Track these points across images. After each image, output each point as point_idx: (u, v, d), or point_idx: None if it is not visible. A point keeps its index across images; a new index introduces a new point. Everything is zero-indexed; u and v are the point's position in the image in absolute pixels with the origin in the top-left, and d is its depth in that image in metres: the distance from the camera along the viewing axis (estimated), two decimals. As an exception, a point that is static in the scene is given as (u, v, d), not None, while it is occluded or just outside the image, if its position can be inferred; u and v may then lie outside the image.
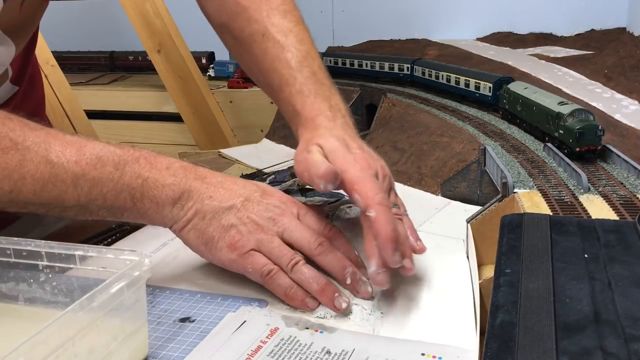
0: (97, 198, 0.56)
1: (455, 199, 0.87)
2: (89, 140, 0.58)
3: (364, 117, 1.57)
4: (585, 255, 0.49)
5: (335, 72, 1.83)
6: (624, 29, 1.72)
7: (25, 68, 0.81)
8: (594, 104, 1.14)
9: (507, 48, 1.86)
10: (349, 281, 0.57)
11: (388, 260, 0.54)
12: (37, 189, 0.54)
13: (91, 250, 0.48)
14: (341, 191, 0.81)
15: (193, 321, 0.54)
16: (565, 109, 0.87)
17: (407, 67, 1.54)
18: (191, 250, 0.60)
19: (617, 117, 1.07)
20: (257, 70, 0.75)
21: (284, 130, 1.49)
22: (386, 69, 1.62)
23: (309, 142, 0.63)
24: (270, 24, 0.72)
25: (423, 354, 0.48)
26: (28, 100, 0.87)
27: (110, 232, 0.77)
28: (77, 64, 2.55)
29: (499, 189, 0.72)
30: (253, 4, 0.73)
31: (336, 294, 0.55)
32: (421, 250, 0.60)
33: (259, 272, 0.56)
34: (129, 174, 0.57)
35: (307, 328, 0.53)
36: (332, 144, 0.61)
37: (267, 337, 0.51)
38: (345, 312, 0.55)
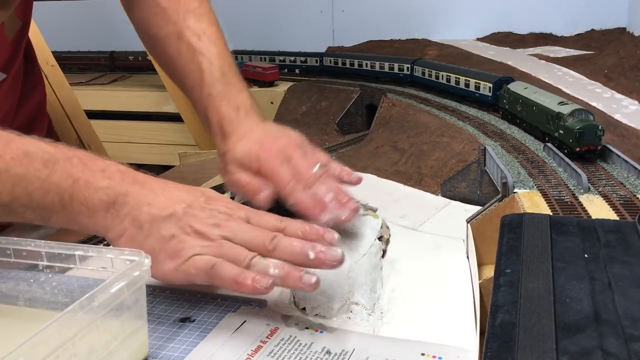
0: (21, 197, 0.52)
1: (455, 199, 0.87)
2: (20, 135, 0.54)
3: (364, 117, 1.58)
4: (585, 255, 0.49)
5: (335, 72, 1.83)
6: (624, 29, 1.72)
7: (15, 57, 0.81)
8: (594, 104, 1.14)
9: (507, 48, 1.86)
10: (312, 256, 0.52)
11: (323, 222, 0.58)
12: None
13: (91, 250, 0.48)
14: None
15: (193, 321, 0.54)
16: (565, 109, 0.87)
17: (407, 67, 1.54)
18: None
19: (617, 117, 1.07)
20: (171, 70, 0.78)
21: (284, 130, 1.49)
22: (386, 69, 1.62)
23: (223, 157, 0.67)
24: (186, 27, 0.74)
25: (423, 354, 0.48)
26: (29, 99, 0.87)
27: (110, 232, 0.77)
28: (77, 64, 2.55)
29: (499, 189, 0.72)
30: (171, 5, 0.76)
31: (302, 272, 0.51)
32: (357, 179, 0.65)
33: (203, 268, 0.52)
34: (59, 172, 0.52)
35: (307, 328, 0.53)
36: (241, 152, 0.65)
37: (267, 337, 0.51)
38: (318, 288, 0.52)
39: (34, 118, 0.91)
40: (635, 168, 0.75)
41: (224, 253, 0.52)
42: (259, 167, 0.63)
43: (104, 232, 0.54)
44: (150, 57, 2.04)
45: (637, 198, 0.67)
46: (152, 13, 0.77)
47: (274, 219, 0.57)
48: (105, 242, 0.74)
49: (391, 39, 2.19)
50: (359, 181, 0.65)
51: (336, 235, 0.55)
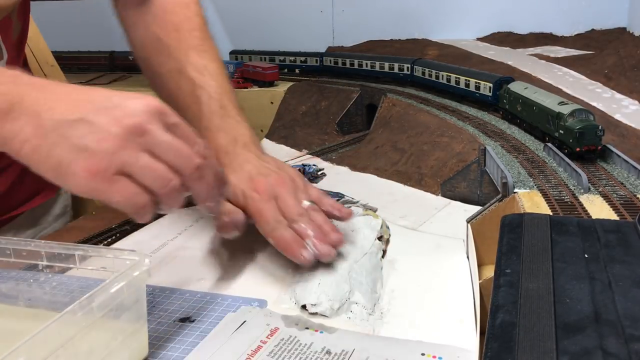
0: None
1: (455, 199, 0.87)
2: None
3: (364, 117, 1.58)
4: (586, 255, 0.49)
5: (335, 72, 1.83)
6: (624, 29, 1.72)
7: (18, 60, 0.81)
8: (594, 104, 1.14)
9: (507, 48, 1.86)
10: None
11: (297, 259, 0.59)
12: None
13: (91, 250, 0.48)
14: (341, 191, 0.82)
15: (193, 321, 0.54)
16: (565, 109, 0.87)
17: (407, 67, 1.54)
18: (191, 251, 0.60)
19: (617, 117, 1.07)
20: (173, 104, 0.77)
21: (284, 131, 1.49)
22: (386, 69, 1.62)
23: None
24: (188, 62, 0.76)
25: (423, 354, 0.48)
26: None
27: (110, 232, 0.77)
28: (77, 64, 2.55)
29: (499, 189, 0.72)
30: (174, 42, 0.77)
31: (210, 201, 0.52)
32: (347, 214, 0.65)
33: (130, 203, 0.47)
34: None
35: (307, 328, 0.53)
36: (232, 185, 0.64)
37: (267, 337, 0.51)
38: (220, 198, 0.55)
39: None
40: (636, 168, 0.75)
41: (140, 171, 0.47)
42: (245, 204, 0.64)
43: (4, 145, 0.47)
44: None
45: (637, 198, 0.67)
46: (155, 50, 0.79)
47: (194, 137, 0.52)
48: (105, 243, 0.74)
49: (391, 39, 2.19)
50: (349, 215, 0.66)
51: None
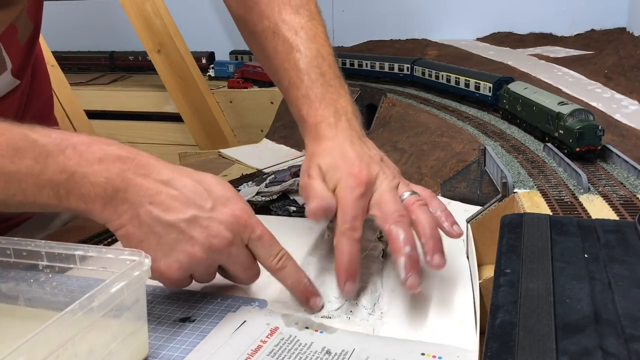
0: (15, 194, 0.50)
1: (455, 199, 0.86)
2: (10, 127, 0.51)
3: (364, 117, 1.58)
4: (585, 255, 0.49)
5: (335, 72, 1.83)
6: (624, 29, 1.72)
7: (27, 62, 0.80)
8: (594, 104, 1.14)
9: (507, 48, 1.86)
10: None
11: (340, 289, 0.55)
12: None
13: (91, 250, 0.48)
14: None
15: (193, 321, 0.54)
16: (565, 109, 0.87)
17: (407, 67, 1.54)
18: None
19: (617, 117, 1.07)
20: (269, 68, 0.74)
21: (284, 131, 1.49)
22: (386, 69, 1.62)
23: (311, 160, 0.62)
24: (281, 21, 0.69)
25: (423, 354, 0.48)
26: (36, 99, 0.86)
27: (110, 232, 0.77)
28: (77, 64, 2.55)
29: (499, 189, 0.72)
30: None
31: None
32: (458, 234, 0.58)
33: (174, 286, 0.55)
34: (52, 167, 0.49)
35: (307, 328, 0.53)
36: (330, 162, 0.60)
37: (267, 337, 0.51)
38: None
39: (41, 119, 0.91)
40: (635, 168, 0.75)
41: (203, 278, 0.55)
42: (334, 188, 0.59)
43: (103, 223, 0.52)
44: (150, 57, 2.04)
45: (637, 198, 0.67)
46: (247, 8, 0.73)
47: (273, 248, 0.55)
48: (105, 243, 0.74)
49: (391, 39, 2.19)
50: (459, 235, 0.59)
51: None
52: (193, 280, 0.56)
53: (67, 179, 0.50)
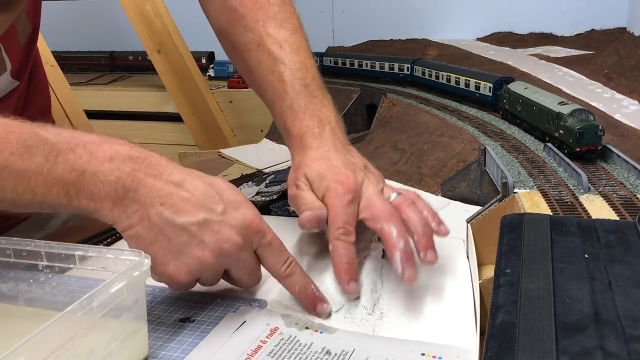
0: (24, 193, 0.49)
1: (455, 199, 0.86)
2: (20, 125, 0.50)
3: (364, 117, 1.58)
4: (586, 255, 0.49)
5: (335, 72, 1.83)
6: (624, 29, 1.72)
7: (26, 63, 0.80)
8: (594, 104, 1.14)
9: (507, 48, 1.86)
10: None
11: (343, 289, 0.56)
12: None
13: (91, 250, 0.48)
14: None
15: (193, 321, 0.54)
16: (565, 109, 0.87)
17: (407, 67, 1.54)
18: None
19: (617, 117, 1.07)
20: (252, 80, 0.75)
21: (284, 130, 1.49)
22: (386, 69, 1.62)
23: (297, 170, 0.64)
24: (266, 34, 0.71)
25: (423, 354, 0.48)
26: (34, 100, 0.86)
27: (110, 232, 0.77)
28: (77, 64, 2.55)
29: (499, 189, 0.72)
30: (250, 12, 0.72)
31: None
32: (445, 233, 0.59)
33: (178, 288, 0.54)
34: (62, 165, 0.49)
35: (307, 328, 0.53)
36: (316, 172, 0.62)
37: (267, 337, 0.51)
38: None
39: (39, 120, 0.90)
40: (636, 168, 0.75)
41: (209, 281, 0.54)
42: (325, 196, 0.60)
43: (111, 223, 0.51)
44: (150, 57, 2.04)
45: (637, 198, 0.67)
46: (230, 21, 0.74)
47: (282, 255, 0.56)
48: (105, 243, 0.74)
49: (391, 39, 2.19)
50: (445, 233, 0.61)
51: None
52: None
53: (77, 177, 0.49)
